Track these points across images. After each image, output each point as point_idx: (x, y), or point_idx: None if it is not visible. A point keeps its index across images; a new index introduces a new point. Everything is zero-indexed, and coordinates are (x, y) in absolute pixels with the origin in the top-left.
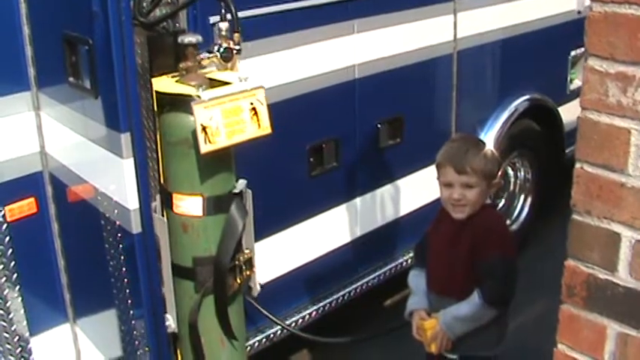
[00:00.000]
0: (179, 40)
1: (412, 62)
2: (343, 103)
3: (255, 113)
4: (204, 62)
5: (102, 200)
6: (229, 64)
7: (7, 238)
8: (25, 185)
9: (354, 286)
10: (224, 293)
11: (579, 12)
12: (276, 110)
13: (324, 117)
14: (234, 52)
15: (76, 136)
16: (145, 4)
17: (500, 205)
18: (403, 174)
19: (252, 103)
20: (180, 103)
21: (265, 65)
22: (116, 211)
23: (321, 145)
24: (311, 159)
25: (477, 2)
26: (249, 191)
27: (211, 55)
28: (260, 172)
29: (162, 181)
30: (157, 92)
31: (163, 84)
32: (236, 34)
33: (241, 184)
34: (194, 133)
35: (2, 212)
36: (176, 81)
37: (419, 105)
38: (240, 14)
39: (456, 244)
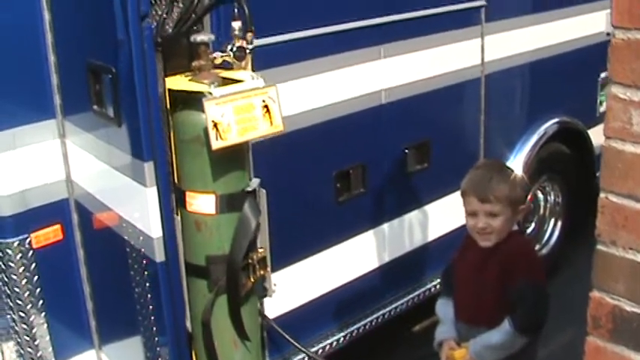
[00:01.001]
0: (191, 38)
1: (439, 86)
2: (370, 128)
3: (268, 111)
4: (217, 61)
5: (126, 227)
6: (243, 63)
7: (33, 265)
8: (51, 212)
9: (381, 312)
10: (237, 292)
11: (608, 34)
12: (303, 136)
13: (351, 142)
14: (247, 51)
15: (100, 164)
16: (167, 27)
17: (530, 229)
18: (431, 199)
19: (264, 101)
20: (193, 100)
21: (292, 91)
22: (140, 238)
23: (348, 171)
24: (338, 185)
25: (504, 25)
26: (264, 190)
27: (224, 54)
28: (286, 198)
29: (175, 179)
30: (169, 90)
31: (176, 82)
32: (249, 33)
33: (255, 182)
34: (206, 130)
35: (28, 239)
36: (189, 79)
37: (446, 129)
38: (267, 40)
39: (483, 272)
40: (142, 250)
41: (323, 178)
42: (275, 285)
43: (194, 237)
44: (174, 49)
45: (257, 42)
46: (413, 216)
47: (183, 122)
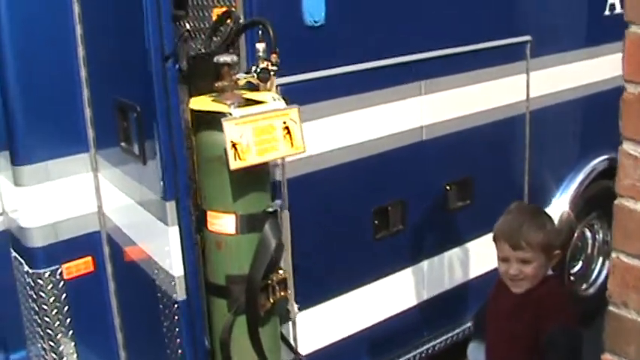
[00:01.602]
0: (215, 59)
1: (483, 123)
2: (410, 164)
3: (289, 132)
4: (241, 82)
5: (151, 264)
6: (268, 85)
7: (64, 296)
8: (83, 244)
9: (419, 350)
10: (256, 312)
11: None
12: (342, 172)
13: (391, 179)
14: (272, 72)
15: (128, 199)
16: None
17: (577, 267)
18: (472, 236)
19: (285, 122)
20: (214, 121)
21: (332, 127)
22: (163, 275)
23: (387, 207)
24: (376, 221)
25: (550, 61)
26: (287, 212)
27: (248, 75)
28: (324, 234)
29: (197, 199)
30: (192, 110)
31: (199, 102)
32: (273, 55)
33: (276, 203)
34: (226, 150)
35: (59, 270)
36: (212, 100)
37: (490, 166)
38: (309, 75)
39: (515, 318)
40: (164, 287)
41: (361, 215)
42: (297, 307)
43: (215, 256)
44: (202, 70)
45: (299, 77)
46: (453, 253)
47: (204, 142)
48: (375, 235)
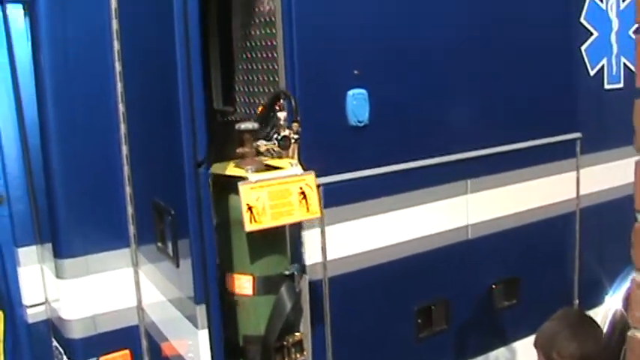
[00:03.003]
0: (236, 127)
1: (531, 221)
2: (455, 263)
3: (305, 197)
4: (262, 149)
5: None
6: (289, 152)
7: None
8: (121, 338)
9: None
10: None
11: None
12: (385, 271)
13: (435, 278)
14: (293, 140)
15: (163, 297)
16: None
17: None
18: (519, 336)
19: (301, 188)
20: (232, 185)
21: (376, 225)
22: None
23: (430, 307)
24: (419, 320)
25: (602, 158)
26: (306, 276)
27: (269, 142)
28: (365, 333)
29: (217, 260)
30: (215, 175)
31: (221, 167)
32: (295, 124)
33: (293, 267)
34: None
35: None
36: (234, 165)
37: (538, 265)
38: (353, 175)
39: None
40: None
41: (404, 314)
42: None
43: (233, 316)
44: (224, 135)
45: (348, 176)
46: (499, 353)
47: (223, 205)
48: (417, 334)
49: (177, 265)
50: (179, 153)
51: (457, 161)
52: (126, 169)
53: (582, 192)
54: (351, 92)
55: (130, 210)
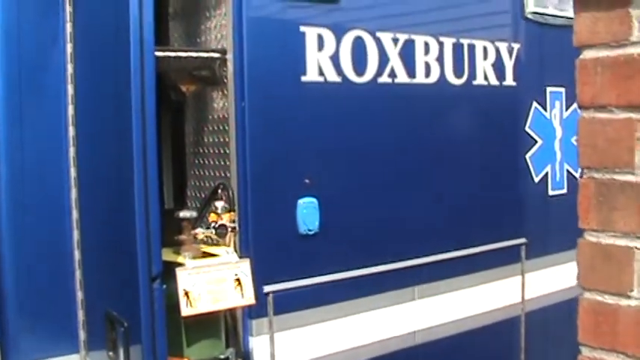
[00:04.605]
0: (175, 214)
1: (477, 326)
2: None
3: (240, 284)
4: (199, 236)
5: None
6: (226, 240)
7: None
8: None
9: None
10: None
11: None
12: None
13: None
14: (230, 229)
15: None
16: None
17: None
18: None
19: (236, 274)
20: (170, 271)
21: (324, 333)
22: None
23: None
24: None
25: (546, 262)
26: None
27: (207, 230)
28: None
29: None
30: None
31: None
32: (232, 213)
33: (229, 351)
34: None
35: None
36: (172, 252)
37: None
38: (301, 283)
39: None
40: None
41: None
42: None
43: None
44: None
45: (292, 284)
46: None
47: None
48: None
49: None
50: (134, 267)
51: (405, 268)
52: (78, 273)
53: (527, 296)
54: (301, 201)
55: (81, 316)
